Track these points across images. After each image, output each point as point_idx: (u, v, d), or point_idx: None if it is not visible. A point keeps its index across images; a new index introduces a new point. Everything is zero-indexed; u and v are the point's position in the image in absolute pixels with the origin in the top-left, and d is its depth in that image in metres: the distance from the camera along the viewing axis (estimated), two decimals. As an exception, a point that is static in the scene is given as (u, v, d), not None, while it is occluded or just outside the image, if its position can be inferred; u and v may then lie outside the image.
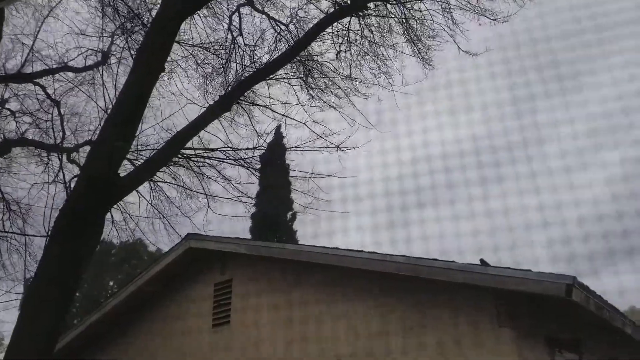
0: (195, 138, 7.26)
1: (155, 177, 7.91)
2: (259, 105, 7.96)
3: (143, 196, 8.61)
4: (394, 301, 5.91)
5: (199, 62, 8.31)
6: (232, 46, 7.92)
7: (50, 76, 8.92)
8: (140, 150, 8.15)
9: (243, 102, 7.78)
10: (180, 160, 7.82)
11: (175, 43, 6.54)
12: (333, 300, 6.38)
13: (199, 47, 8.17)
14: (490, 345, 5.10)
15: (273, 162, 14.03)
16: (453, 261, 5.32)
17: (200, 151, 7.74)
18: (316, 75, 8.10)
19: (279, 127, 12.76)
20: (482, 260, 5.18)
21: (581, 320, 6.18)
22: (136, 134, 6.41)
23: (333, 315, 6.30)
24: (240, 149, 7.75)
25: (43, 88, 8.96)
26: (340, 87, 8.06)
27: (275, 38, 7.96)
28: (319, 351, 6.25)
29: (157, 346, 8.02)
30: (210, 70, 8.26)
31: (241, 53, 7.96)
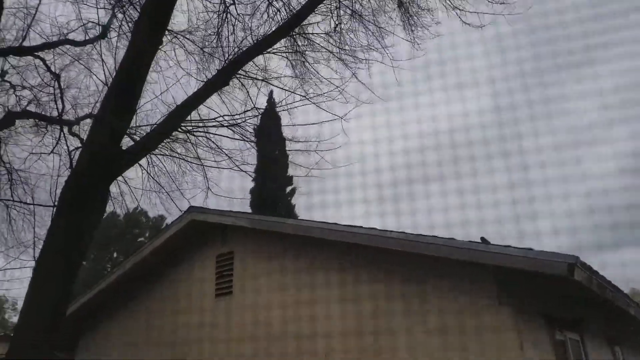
0: (194, 113, 7.23)
1: (155, 150, 7.89)
2: (256, 79, 7.85)
3: (145, 169, 8.60)
4: (393, 276, 5.90)
5: (193, 33, 8.16)
6: (225, 16, 7.76)
7: (51, 50, 8.83)
8: (140, 126, 8.12)
9: (240, 76, 7.68)
10: (180, 134, 7.79)
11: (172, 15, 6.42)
12: (332, 274, 6.39)
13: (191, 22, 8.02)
14: (490, 323, 5.09)
15: (268, 132, 13.85)
16: (453, 238, 5.27)
17: (198, 123, 7.68)
18: (313, 49, 7.95)
19: (271, 92, 12.54)
20: (482, 239, 5.13)
21: (582, 299, 6.15)
22: (136, 108, 6.36)
23: (330, 289, 6.31)
24: (234, 115, 7.67)
25: (43, 61, 8.87)
26: (340, 59, 7.87)
27: (268, 9, 7.77)
28: (316, 320, 6.29)
29: (161, 315, 8.15)
30: (204, 44, 8.13)
31: (233, 23, 7.80)
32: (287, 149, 13.80)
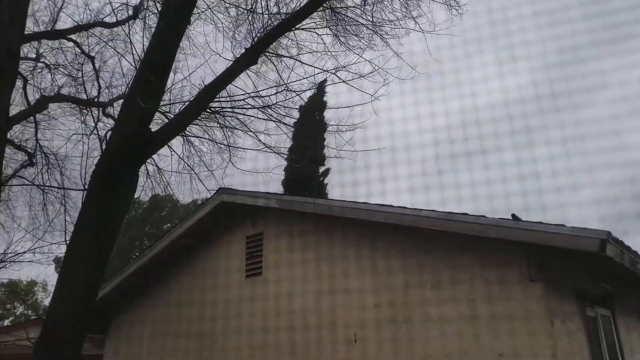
0: (224, 93, 7.25)
1: (185, 131, 7.98)
2: (285, 56, 7.77)
3: (174, 150, 8.73)
4: (424, 255, 5.97)
5: (226, 9, 8.10)
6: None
7: (84, 32, 8.97)
8: (171, 104, 8.18)
9: (270, 54, 7.61)
10: (210, 114, 7.83)
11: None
12: (363, 253, 6.49)
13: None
14: (520, 299, 5.13)
15: (311, 117, 13.99)
16: (484, 216, 5.29)
17: (228, 103, 7.69)
18: (345, 23, 7.77)
19: (322, 82, 12.56)
20: (513, 215, 5.13)
21: (614, 275, 6.11)
22: (165, 89, 6.43)
23: (362, 269, 6.42)
24: (264, 95, 7.61)
25: (77, 44, 9.02)
26: (373, 30, 7.66)
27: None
28: (348, 301, 6.41)
29: (191, 297, 8.37)
30: (235, 19, 8.06)
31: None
32: (324, 131, 13.91)
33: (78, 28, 8.76)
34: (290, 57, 7.76)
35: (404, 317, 5.89)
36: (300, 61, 7.71)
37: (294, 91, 7.68)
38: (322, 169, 15.55)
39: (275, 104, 7.55)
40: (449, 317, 5.57)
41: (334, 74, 7.42)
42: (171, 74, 6.61)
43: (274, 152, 7.84)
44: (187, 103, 7.11)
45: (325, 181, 15.58)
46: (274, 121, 7.59)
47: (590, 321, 6.06)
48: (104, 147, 7.00)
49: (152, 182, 9.23)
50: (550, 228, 4.76)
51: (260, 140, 7.86)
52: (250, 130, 7.89)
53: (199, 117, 7.52)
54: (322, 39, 7.80)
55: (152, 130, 6.22)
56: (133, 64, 8.01)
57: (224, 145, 8.19)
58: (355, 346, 6.16)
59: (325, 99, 13.67)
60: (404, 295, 5.95)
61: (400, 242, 6.21)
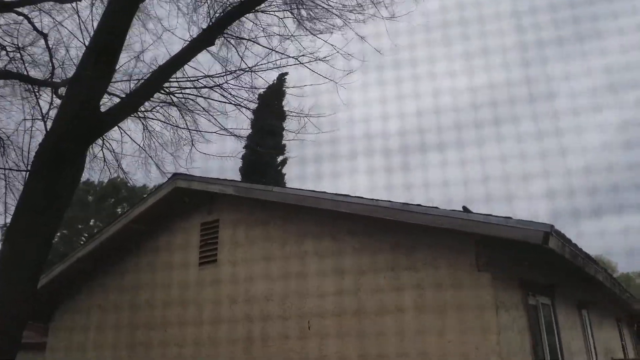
0: (180, 74, 7.07)
1: (139, 113, 7.73)
2: (245, 39, 7.62)
3: (126, 133, 8.46)
4: (378, 243, 6.07)
5: None
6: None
7: (36, 7, 8.42)
8: (120, 81, 7.88)
9: (228, 36, 7.44)
10: (165, 96, 7.60)
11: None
12: (319, 241, 6.53)
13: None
14: (469, 288, 5.32)
15: (270, 106, 13.85)
16: (436, 207, 5.44)
17: (184, 83, 7.48)
18: (306, 7, 7.67)
19: (282, 75, 12.56)
20: (464, 207, 5.31)
21: (555, 265, 6.45)
22: (115, 67, 6.19)
23: (319, 256, 6.46)
24: (218, 75, 7.43)
25: (28, 19, 8.49)
26: (336, 15, 7.61)
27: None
28: (303, 290, 6.45)
29: (144, 282, 8.17)
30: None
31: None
32: (284, 120, 13.81)
33: (27, 1, 8.22)
34: (249, 40, 7.62)
35: (358, 305, 5.99)
36: (259, 44, 7.59)
37: (250, 69, 7.52)
38: (280, 158, 15.47)
39: (227, 82, 7.37)
40: (401, 305, 5.71)
41: (296, 59, 7.37)
42: (124, 54, 6.37)
43: (234, 135, 7.73)
44: (139, 83, 6.88)
45: (284, 170, 15.54)
46: (232, 104, 7.47)
47: (532, 309, 6.38)
48: (49, 126, 6.68)
49: (108, 167, 8.90)
50: (498, 220, 4.96)
51: (219, 124, 7.72)
52: (208, 112, 7.72)
53: (155, 100, 7.31)
54: (283, 22, 7.71)
55: (103, 110, 6.01)
56: (83, 42, 7.66)
57: (184, 128, 7.99)
58: (309, 334, 6.21)
59: (284, 88, 13.61)
60: (359, 284, 6.05)
61: (357, 232, 6.28)
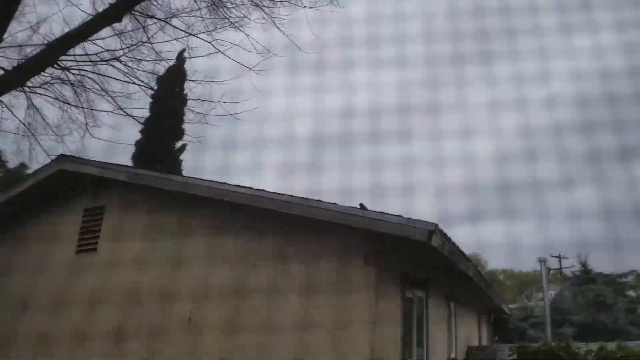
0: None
1: (26, 88, 6.99)
2: (156, 18, 7.21)
3: (7, 106, 7.58)
4: (268, 235, 6.13)
5: None
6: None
7: None
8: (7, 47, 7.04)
9: (137, 14, 7.02)
10: (59, 71, 6.96)
11: None
12: (209, 231, 6.46)
13: None
14: (356, 280, 5.61)
15: (170, 89, 13.14)
16: (335, 203, 5.69)
17: (83, 60, 6.91)
18: None
19: (182, 51, 11.82)
20: (361, 205, 5.63)
21: (431, 262, 7.11)
22: (2, 37, 5.58)
23: (207, 246, 6.39)
24: (118, 50, 6.97)
25: None
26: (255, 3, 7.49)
27: None
28: (187, 280, 6.33)
29: (13, 272, 7.44)
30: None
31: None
32: (184, 104, 13.11)
33: None
34: (163, 20, 7.25)
35: (243, 294, 5.99)
36: (169, 24, 7.25)
37: (149, 41, 7.12)
38: (179, 143, 14.63)
39: (123, 52, 6.93)
40: (288, 295, 5.82)
41: (210, 42, 7.16)
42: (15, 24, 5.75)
43: (130, 116, 7.29)
44: (29, 55, 6.26)
45: (182, 157, 14.74)
46: (133, 82, 7.04)
47: (408, 301, 6.95)
48: None
49: None
50: (390, 218, 5.34)
51: (116, 103, 7.23)
52: (106, 91, 7.20)
53: (47, 75, 6.65)
54: (198, 5, 7.44)
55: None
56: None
57: (76, 106, 7.35)
58: (190, 325, 6.11)
59: (186, 70, 12.98)
60: (246, 274, 6.05)
61: (245, 222, 6.29)
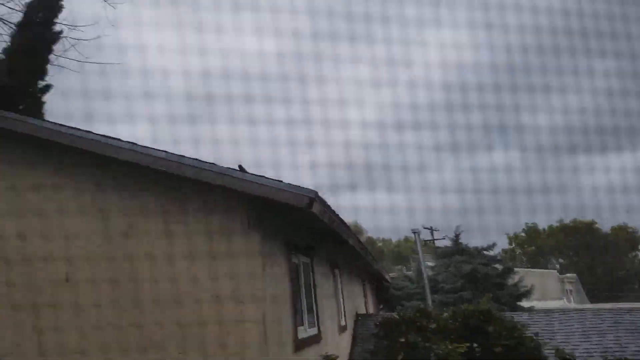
0: None
1: None
2: None
3: None
4: (150, 194, 5.76)
5: None
6: None
7: None
8: None
9: None
10: None
11: None
12: (83, 187, 5.88)
13: None
14: (239, 246, 5.47)
15: (39, 20, 11.48)
16: (213, 163, 5.44)
17: None
18: None
19: None
20: (240, 167, 5.43)
21: (315, 229, 7.17)
22: None
23: (81, 204, 5.83)
24: None
25: None
26: None
27: None
28: (54, 246, 5.73)
29: None
30: None
31: None
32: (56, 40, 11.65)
33: None
34: None
35: (123, 257, 5.62)
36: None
37: None
38: (42, 84, 12.80)
39: None
40: (169, 260, 5.57)
41: None
42: None
43: None
44: None
45: (45, 99, 12.90)
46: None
47: (294, 266, 7.00)
48: None
49: None
50: (270, 182, 5.23)
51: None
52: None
53: None
54: None
55: None
56: None
57: None
58: (67, 285, 5.60)
59: (63, 4, 11.51)
60: (127, 236, 5.67)
61: (128, 181, 5.86)
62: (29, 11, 10.12)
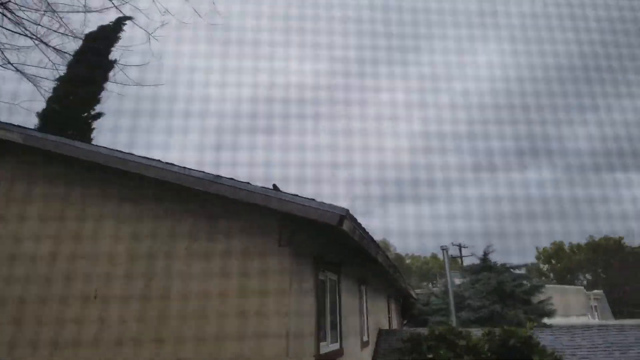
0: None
1: None
2: None
3: None
4: (185, 213, 5.93)
5: None
6: None
7: None
8: None
9: None
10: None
11: None
12: (121, 208, 6.10)
13: None
14: (271, 261, 5.58)
15: (96, 50, 12.05)
16: (248, 182, 5.57)
17: None
18: None
19: (125, 17, 11.09)
20: (274, 186, 5.56)
21: (343, 246, 7.23)
22: None
23: (118, 220, 6.03)
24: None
25: None
26: None
27: None
28: (93, 253, 5.96)
29: None
30: None
31: None
32: (110, 69, 12.20)
33: None
34: None
35: (154, 274, 5.77)
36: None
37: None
38: (95, 111, 13.41)
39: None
40: (200, 277, 5.70)
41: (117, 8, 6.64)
42: None
43: (22, 73, 6.57)
44: None
45: (94, 125, 13.51)
46: (27, 36, 6.34)
47: (321, 283, 7.05)
48: None
49: None
50: (303, 201, 5.33)
51: (5, 57, 6.49)
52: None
53: None
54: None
55: None
56: None
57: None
58: (95, 303, 5.79)
59: (119, 34, 12.06)
60: (159, 253, 5.84)
61: (165, 200, 6.04)
62: (87, 40, 10.64)
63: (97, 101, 13.17)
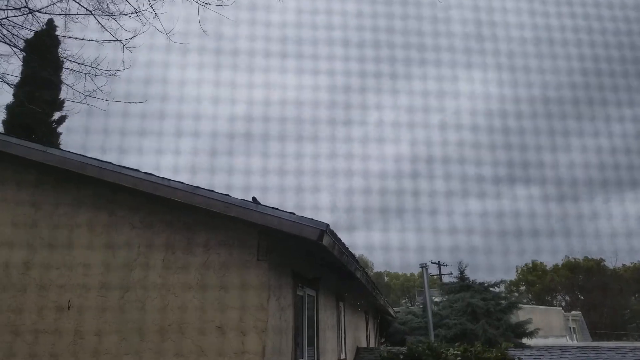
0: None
1: None
2: None
3: None
4: (160, 223, 5.81)
5: None
6: None
7: None
8: None
9: None
10: None
11: None
12: (94, 216, 5.95)
13: None
14: (249, 275, 5.49)
15: (42, 55, 11.87)
16: (227, 195, 5.49)
17: None
18: None
19: (51, 20, 11.17)
20: (254, 199, 5.48)
21: (322, 261, 7.16)
22: None
23: (91, 232, 5.88)
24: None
25: None
26: None
27: None
28: (67, 265, 5.78)
29: None
30: None
31: None
32: (59, 70, 12.13)
33: None
34: None
35: (129, 285, 5.63)
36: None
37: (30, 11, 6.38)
38: (57, 115, 13.06)
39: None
40: (176, 289, 5.58)
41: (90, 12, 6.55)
42: None
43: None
44: None
45: (60, 130, 13.17)
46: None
47: (299, 299, 6.96)
48: None
49: None
50: (283, 214, 5.27)
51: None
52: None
53: None
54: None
55: None
56: None
57: None
58: (69, 313, 5.60)
59: (58, 35, 12.04)
60: (133, 264, 5.70)
61: (139, 210, 5.92)
62: (31, 47, 10.73)
63: (59, 105, 12.89)
